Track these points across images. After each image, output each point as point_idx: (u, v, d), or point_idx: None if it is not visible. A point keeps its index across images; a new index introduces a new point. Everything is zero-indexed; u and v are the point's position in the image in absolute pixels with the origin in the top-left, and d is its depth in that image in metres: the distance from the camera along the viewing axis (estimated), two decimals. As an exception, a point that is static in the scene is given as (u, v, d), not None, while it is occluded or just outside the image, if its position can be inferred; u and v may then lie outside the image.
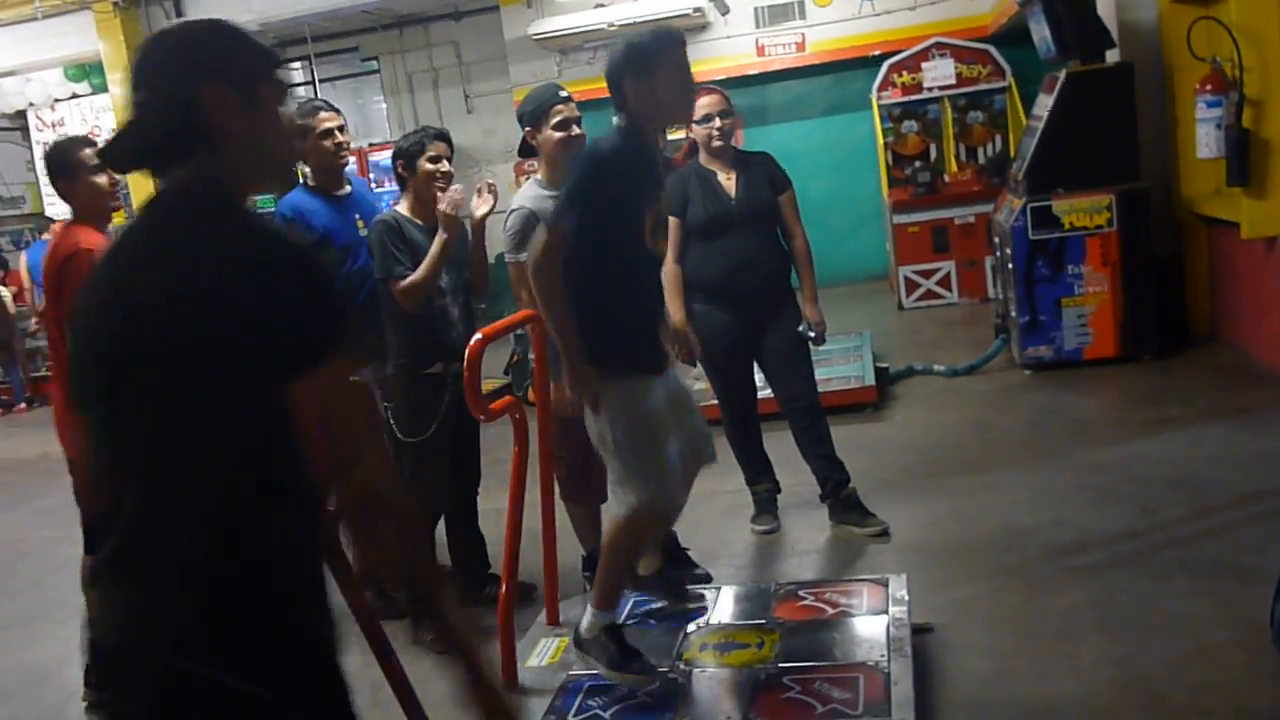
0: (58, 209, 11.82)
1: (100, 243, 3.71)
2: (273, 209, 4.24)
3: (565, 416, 3.48)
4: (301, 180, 4.29)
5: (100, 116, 11.40)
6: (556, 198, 3.29)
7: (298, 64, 13.04)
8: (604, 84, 3.10)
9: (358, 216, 4.20)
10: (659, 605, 3.57)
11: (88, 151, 3.80)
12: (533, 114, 3.78)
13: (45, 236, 11.19)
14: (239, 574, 1.51)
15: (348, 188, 4.27)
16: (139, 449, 1.51)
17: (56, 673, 4.29)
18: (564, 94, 3.80)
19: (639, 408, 3.04)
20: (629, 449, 3.02)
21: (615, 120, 3.07)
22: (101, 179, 3.81)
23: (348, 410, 1.59)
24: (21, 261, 10.65)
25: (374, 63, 13.59)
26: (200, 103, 1.58)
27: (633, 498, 3.02)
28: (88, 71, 10.64)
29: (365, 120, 14.38)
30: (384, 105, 13.82)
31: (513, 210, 3.79)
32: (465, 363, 2.97)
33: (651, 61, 2.98)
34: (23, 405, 11.35)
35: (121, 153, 1.69)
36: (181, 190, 1.61)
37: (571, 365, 3.03)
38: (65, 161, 3.82)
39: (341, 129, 4.19)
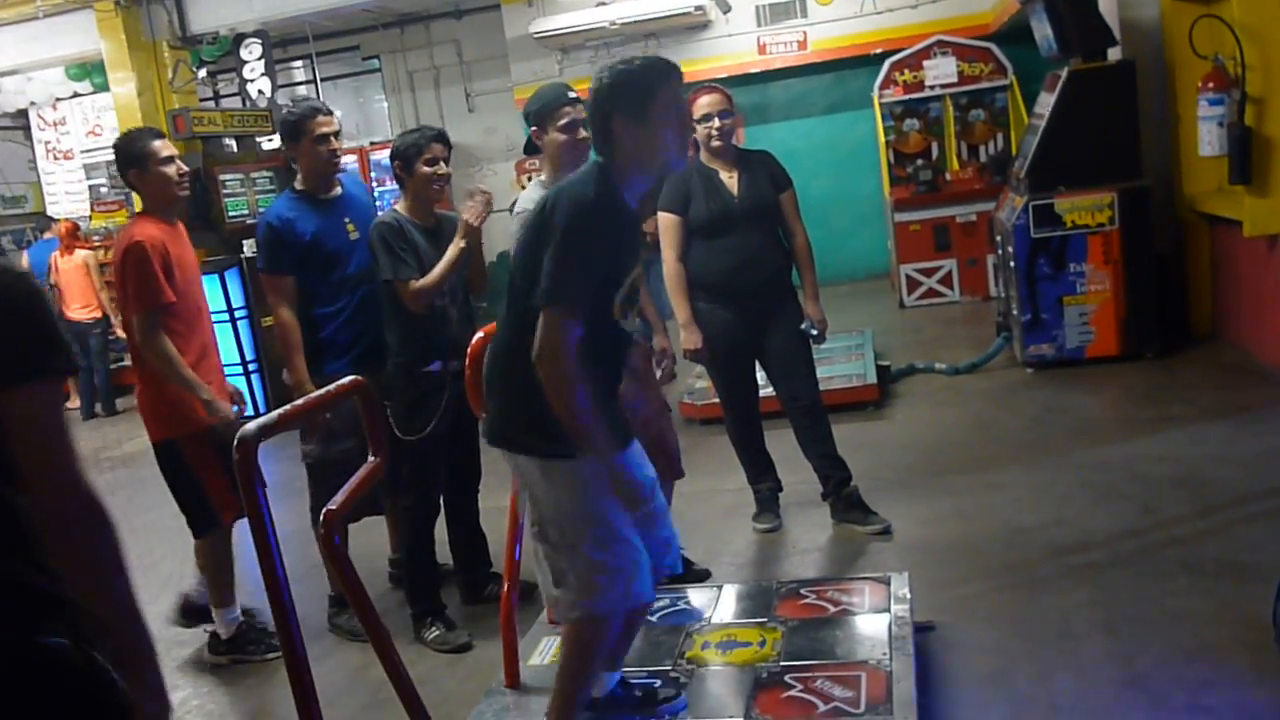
0: (60, 208, 11.85)
1: (154, 235, 3.81)
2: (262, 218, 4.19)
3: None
4: (290, 186, 4.23)
5: (102, 115, 11.41)
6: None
7: (299, 63, 13.06)
8: None
9: (348, 220, 4.14)
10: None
11: (158, 143, 3.93)
12: (539, 113, 3.71)
13: (47, 235, 11.18)
14: None
15: (337, 190, 4.21)
16: None
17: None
18: (572, 95, 3.72)
19: (592, 490, 2.59)
20: (582, 538, 2.59)
21: (595, 160, 2.67)
22: (170, 169, 3.92)
23: (35, 433, 1.56)
24: (24, 261, 10.65)
25: (375, 61, 13.59)
26: None
27: (587, 599, 2.60)
28: (89, 70, 10.64)
29: (366, 119, 14.39)
30: (385, 104, 13.82)
31: (517, 213, 3.71)
32: (467, 361, 2.97)
33: (646, 98, 2.55)
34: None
35: None
36: None
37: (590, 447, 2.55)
38: (136, 152, 3.92)
39: (337, 134, 4.15)
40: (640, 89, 2.56)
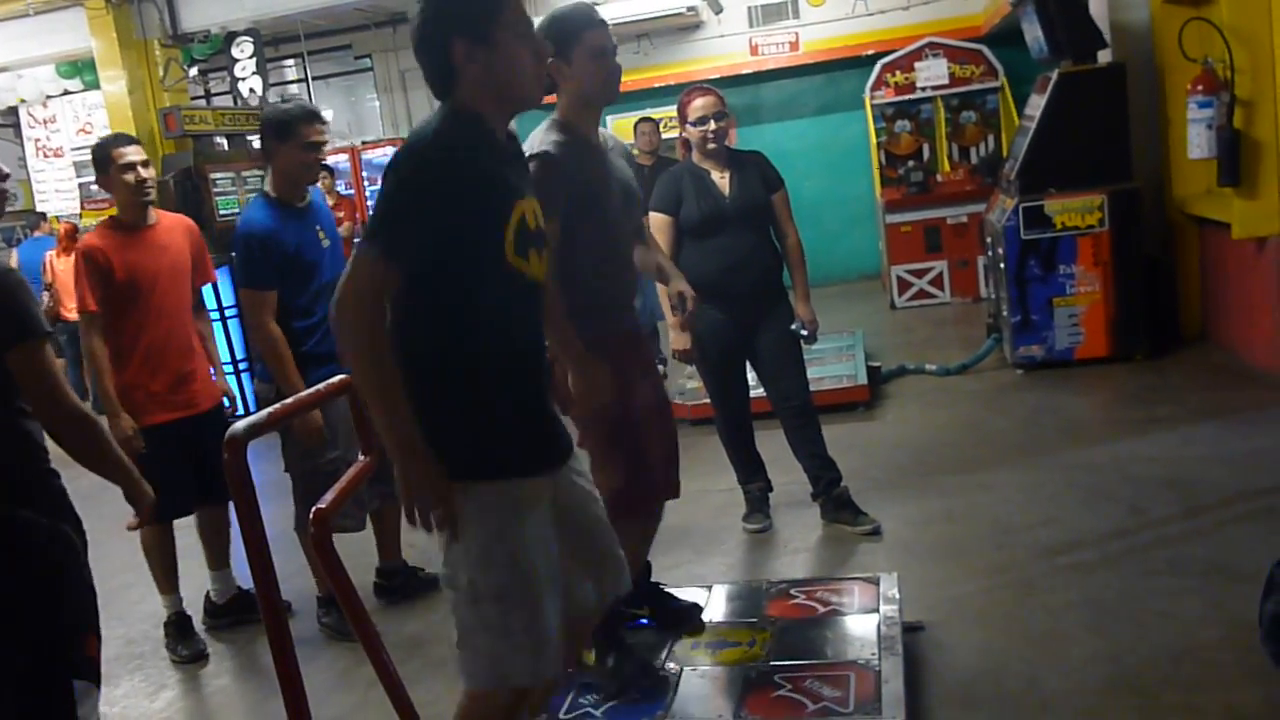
0: (49, 206, 11.81)
1: (97, 243, 3.98)
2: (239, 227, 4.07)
3: (597, 417, 3.00)
4: (262, 193, 4.10)
5: (93, 113, 11.37)
6: (572, 142, 2.99)
7: (290, 62, 13.03)
8: None
9: (318, 228, 4.11)
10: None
11: (123, 149, 4.03)
12: (562, 37, 2.98)
13: (37, 234, 11.15)
14: None
15: (309, 198, 4.13)
16: None
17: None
18: (599, 17, 3.09)
19: (510, 528, 2.16)
20: (489, 593, 2.14)
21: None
22: (129, 176, 4.01)
23: (31, 376, 2.39)
24: (13, 259, 10.60)
25: (367, 60, 13.57)
26: None
27: (484, 668, 2.18)
28: (80, 68, 10.60)
29: (358, 118, 14.37)
30: (377, 103, 13.80)
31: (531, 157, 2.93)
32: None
33: (490, 23, 2.16)
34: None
35: None
36: None
37: (406, 465, 2.10)
38: (101, 156, 4.05)
39: (324, 144, 4.09)
40: (473, 5, 2.18)
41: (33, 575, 2.30)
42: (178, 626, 4.25)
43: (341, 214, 10.95)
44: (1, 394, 2.37)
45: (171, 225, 4.26)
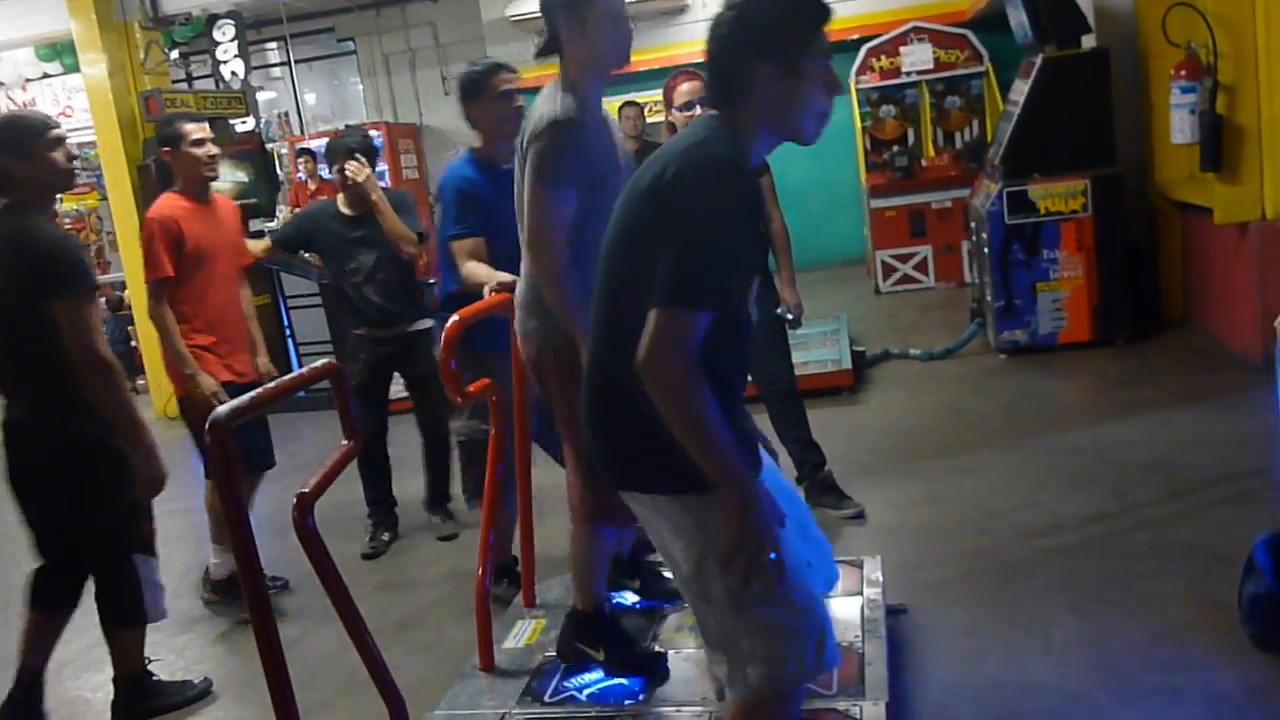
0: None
1: (168, 213, 4.12)
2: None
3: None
4: (472, 148, 4.05)
5: (73, 96, 11.24)
6: (587, 110, 2.83)
7: (273, 45, 12.93)
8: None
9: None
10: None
11: (191, 125, 4.18)
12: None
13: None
14: None
15: (511, 163, 3.95)
16: None
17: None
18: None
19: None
20: (754, 598, 1.96)
21: (712, 116, 2.08)
22: (199, 151, 4.17)
23: (67, 326, 3.14)
24: None
25: (350, 44, 13.48)
26: None
27: (769, 669, 2.00)
28: (59, 51, 10.48)
29: (341, 102, 14.28)
30: (360, 87, 13.72)
31: (531, 134, 2.85)
32: (443, 344, 2.96)
33: (803, 55, 2.01)
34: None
35: None
36: None
37: (752, 505, 1.91)
38: (170, 133, 4.19)
39: (516, 92, 4.02)
40: (789, 28, 2.01)
41: (108, 477, 3.15)
42: (234, 582, 4.27)
43: (324, 198, 10.88)
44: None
45: (225, 203, 4.47)
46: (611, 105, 3.40)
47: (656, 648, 3.16)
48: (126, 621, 3.52)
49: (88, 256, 3.42)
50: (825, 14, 2.06)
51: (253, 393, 2.26)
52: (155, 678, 3.71)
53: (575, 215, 2.82)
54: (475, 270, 3.62)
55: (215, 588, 4.42)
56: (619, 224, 2.07)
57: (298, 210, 5.41)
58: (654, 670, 3.00)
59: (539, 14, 2.97)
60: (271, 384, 2.36)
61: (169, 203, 4.19)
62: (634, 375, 1.91)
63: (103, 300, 9.99)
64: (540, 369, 3.02)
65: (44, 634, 3.53)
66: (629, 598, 3.50)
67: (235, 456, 2.07)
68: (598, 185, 2.85)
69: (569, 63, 2.89)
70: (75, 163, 3.47)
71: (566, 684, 3.00)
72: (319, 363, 2.54)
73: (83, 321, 3.15)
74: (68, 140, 3.44)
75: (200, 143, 4.17)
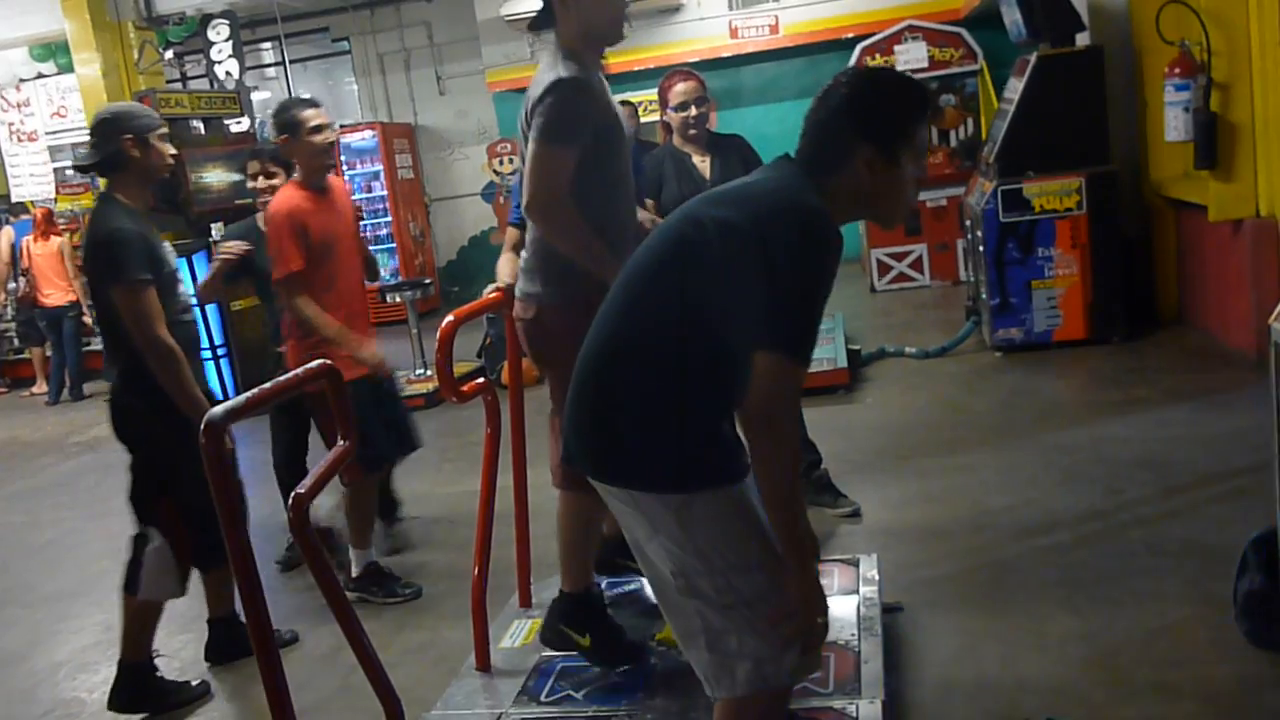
0: (24, 190, 11.68)
1: (293, 205, 4.05)
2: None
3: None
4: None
5: (67, 97, 11.24)
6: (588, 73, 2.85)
7: (267, 45, 12.93)
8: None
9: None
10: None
11: (309, 112, 4.09)
12: None
13: (24, 217, 11.00)
14: None
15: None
16: None
17: (26, 657, 4.27)
18: None
19: (755, 515, 2.05)
20: (747, 595, 2.00)
21: (789, 161, 2.14)
22: (317, 139, 4.10)
23: (125, 311, 3.37)
24: (10, 235, 10.46)
25: (345, 43, 13.48)
26: None
27: (759, 667, 2.02)
28: (54, 51, 10.49)
29: (337, 102, 14.28)
30: (355, 87, 13.72)
31: (533, 99, 2.85)
32: (437, 344, 2.97)
33: (902, 134, 2.06)
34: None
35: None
36: None
37: (810, 568, 2.02)
38: (287, 120, 4.11)
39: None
40: (898, 119, 2.05)
41: (179, 447, 3.17)
42: (375, 576, 4.28)
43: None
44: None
45: (340, 188, 4.39)
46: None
47: (655, 647, 3.16)
48: (129, 587, 3.62)
49: (155, 247, 3.48)
50: (930, 109, 2.16)
51: (248, 393, 2.27)
52: (159, 674, 3.71)
53: (586, 171, 2.80)
54: (501, 264, 3.65)
55: (356, 584, 4.29)
56: (676, 238, 2.07)
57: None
58: (638, 661, 3.01)
59: (534, 12, 2.97)
60: (268, 385, 2.36)
61: (290, 195, 4.12)
62: (649, 376, 2.00)
63: (93, 302, 9.98)
64: (535, 333, 2.99)
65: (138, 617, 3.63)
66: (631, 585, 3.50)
67: (230, 457, 2.07)
68: (606, 143, 2.86)
69: (563, 34, 2.90)
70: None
71: (562, 684, 3.01)
72: (313, 364, 2.54)
73: (134, 309, 3.35)
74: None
75: (319, 129, 4.10)
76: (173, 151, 3.66)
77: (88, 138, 3.55)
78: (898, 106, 2.06)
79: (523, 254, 3.07)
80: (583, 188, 2.82)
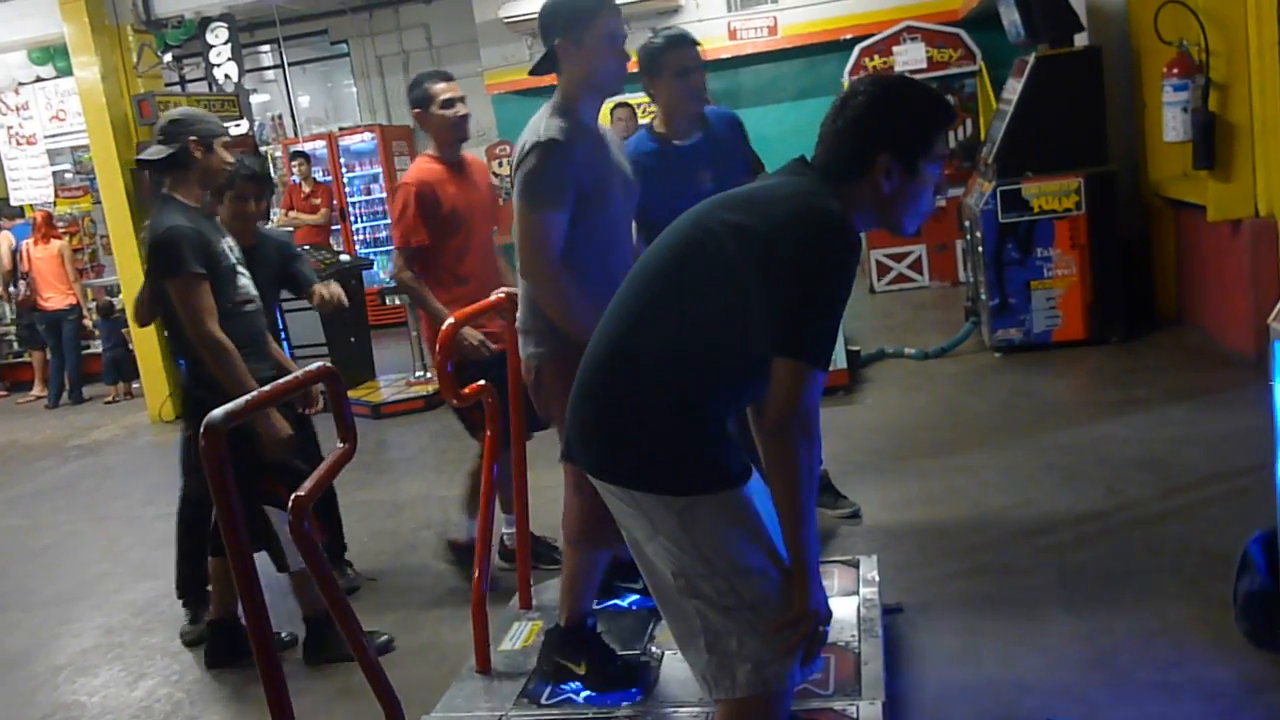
0: (23, 194, 11.68)
1: (424, 177, 4.07)
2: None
3: None
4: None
5: (65, 100, 11.23)
6: (579, 130, 2.86)
7: (266, 47, 12.92)
8: None
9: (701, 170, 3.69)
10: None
11: (440, 85, 4.12)
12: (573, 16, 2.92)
13: (20, 221, 10.99)
14: None
15: (692, 137, 3.77)
16: None
17: (25, 660, 4.26)
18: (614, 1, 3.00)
19: (754, 516, 2.05)
20: (750, 599, 2.00)
21: (804, 165, 2.13)
22: (449, 112, 4.11)
23: (179, 304, 3.45)
24: (10, 240, 10.46)
25: (343, 46, 13.48)
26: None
27: (760, 668, 2.01)
28: (53, 54, 10.48)
29: (335, 104, 14.28)
30: (354, 89, 13.71)
31: (525, 147, 2.88)
32: (438, 348, 2.97)
33: (923, 142, 2.06)
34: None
35: None
36: None
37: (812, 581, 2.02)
38: (419, 94, 4.14)
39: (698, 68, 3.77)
40: (918, 129, 2.06)
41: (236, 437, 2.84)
42: (466, 548, 4.23)
43: (318, 200, 10.88)
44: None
45: (477, 164, 4.37)
46: (605, 107, 3.40)
47: (654, 648, 3.16)
48: (280, 567, 3.70)
49: (211, 243, 3.55)
50: (951, 119, 2.13)
51: (249, 395, 2.26)
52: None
53: (576, 234, 2.80)
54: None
55: (454, 549, 4.37)
56: (686, 241, 2.06)
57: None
58: (637, 682, 2.99)
59: (532, 15, 2.98)
60: (268, 387, 2.36)
61: (423, 166, 4.14)
62: (654, 378, 2.01)
63: (93, 305, 10.00)
64: (539, 391, 3.02)
65: (226, 577, 3.72)
66: (626, 599, 3.50)
67: (229, 458, 2.07)
68: (589, 206, 2.85)
69: (564, 83, 2.92)
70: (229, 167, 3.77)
71: (564, 687, 3.01)
72: (314, 365, 2.54)
73: (187, 303, 3.45)
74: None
75: (450, 103, 4.10)
76: (230, 159, 3.74)
77: (158, 136, 3.61)
78: (918, 117, 2.06)
79: (519, 314, 3.06)
80: (569, 246, 2.83)
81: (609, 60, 2.91)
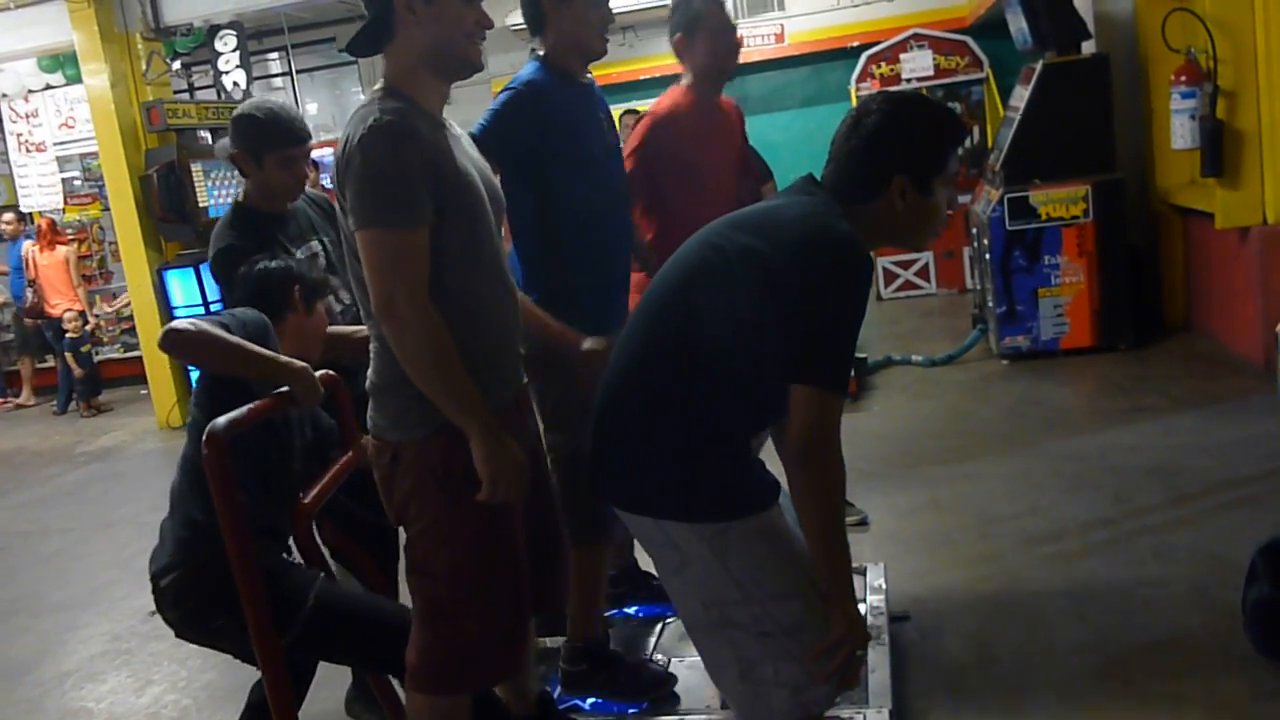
0: (32, 201, 11.71)
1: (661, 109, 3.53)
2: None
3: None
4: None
5: (75, 108, 11.27)
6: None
7: (274, 55, 12.96)
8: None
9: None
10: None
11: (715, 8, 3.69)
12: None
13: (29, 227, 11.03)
14: None
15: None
16: None
17: (33, 666, 4.27)
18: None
19: (787, 541, 2.04)
20: (786, 624, 1.99)
21: (814, 184, 2.12)
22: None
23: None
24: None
25: (351, 53, 13.50)
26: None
27: (784, 700, 2.02)
28: (62, 62, 10.51)
29: (343, 111, 14.31)
30: (362, 97, 13.74)
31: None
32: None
33: (935, 167, 2.07)
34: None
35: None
36: None
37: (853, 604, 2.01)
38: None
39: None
40: (933, 149, 2.06)
41: None
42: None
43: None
44: None
45: (731, 105, 3.82)
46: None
47: (659, 656, 3.16)
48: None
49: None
50: (964, 137, 2.15)
51: (252, 404, 2.27)
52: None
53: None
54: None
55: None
56: (697, 263, 2.05)
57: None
58: (662, 689, 2.97)
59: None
60: (270, 396, 2.36)
61: (674, 99, 3.56)
62: (673, 405, 1.98)
63: (109, 310, 10.05)
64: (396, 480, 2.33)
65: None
66: (631, 609, 3.50)
67: (231, 466, 2.08)
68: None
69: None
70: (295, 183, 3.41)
71: (570, 694, 3.00)
72: (318, 373, 2.54)
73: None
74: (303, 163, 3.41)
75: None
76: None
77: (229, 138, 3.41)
78: (932, 137, 2.05)
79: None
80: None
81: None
